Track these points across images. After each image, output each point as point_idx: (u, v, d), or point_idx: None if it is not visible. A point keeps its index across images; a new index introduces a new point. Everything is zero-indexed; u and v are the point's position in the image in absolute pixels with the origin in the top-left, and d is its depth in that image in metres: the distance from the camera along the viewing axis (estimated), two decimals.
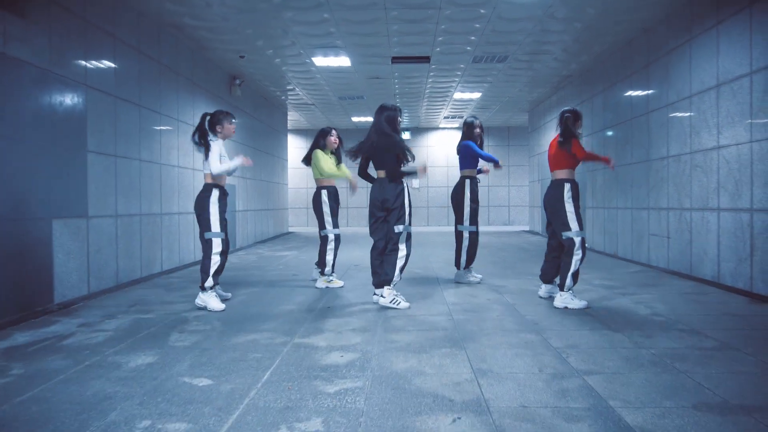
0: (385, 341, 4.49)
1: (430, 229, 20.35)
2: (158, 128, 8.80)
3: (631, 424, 2.84)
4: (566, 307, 5.76)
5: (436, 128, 22.56)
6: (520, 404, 3.12)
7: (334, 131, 7.46)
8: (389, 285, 5.93)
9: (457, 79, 13.39)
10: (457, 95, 15.52)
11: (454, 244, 7.63)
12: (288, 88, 14.32)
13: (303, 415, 3.00)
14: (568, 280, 5.80)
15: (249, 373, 3.72)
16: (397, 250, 5.94)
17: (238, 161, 6.03)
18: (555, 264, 6.25)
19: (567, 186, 5.93)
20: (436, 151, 22.61)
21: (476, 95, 15.50)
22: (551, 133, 15.66)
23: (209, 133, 6.12)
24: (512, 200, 22.78)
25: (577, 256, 5.79)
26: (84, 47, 6.81)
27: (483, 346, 4.30)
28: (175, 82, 9.48)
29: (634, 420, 2.90)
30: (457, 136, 22.49)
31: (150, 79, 8.55)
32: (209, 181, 6.01)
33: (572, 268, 5.79)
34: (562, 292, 5.82)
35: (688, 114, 8.01)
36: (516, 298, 6.38)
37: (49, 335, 4.81)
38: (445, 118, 19.95)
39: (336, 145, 7.43)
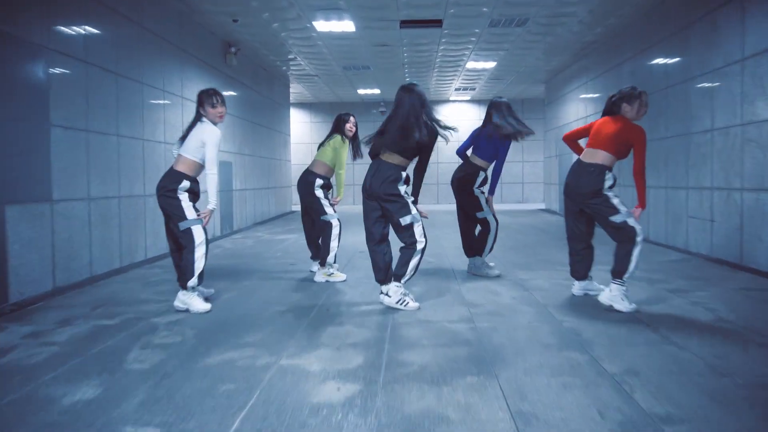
0: (395, 363, 3.57)
1: (439, 208, 19.38)
2: (140, 100, 7.85)
3: None
4: (611, 306, 4.83)
5: (447, 101, 21.50)
6: None
7: (352, 117, 6.58)
8: (398, 281, 5.02)
9: (471, 47, 12.34)
10: (470, 65, 14.47)
11: (464, 231, 6.71)
12: (289, 57, 13.31)
13: None
14: (632, 266, 4.84)
15: (214, 417, 2.81)
16: (414, 243, 4.97)
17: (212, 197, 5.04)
18: (586, 257, 5.31)
19: (608, 175, 4.97)
20: None
21: (491, 65, 14.45)
22: (570, 105, 14.63)
23: (202, 114, 5.19)
24: (526, 177, 21.78)
25: (640, 238, 4.85)
26: (44, 3, 5.84)
27: (519, 372, 3.38)
28: (160, 48, 8.51)
29: None
30: (469, 109, 21.44)
31: (129, 44, 7.58)
32: (182, 169, 5.06)
33: (635, 256, 4.85)
34: (616, 282, 4.88)
35: (739, 79, 6.99)
36: (546, 296, 5.45)
37: None
38: (456, 90, 18.90)
39: (351, 134, 6.50)
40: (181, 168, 5.04)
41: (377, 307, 5.06)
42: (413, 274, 5.03)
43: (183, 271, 4.98)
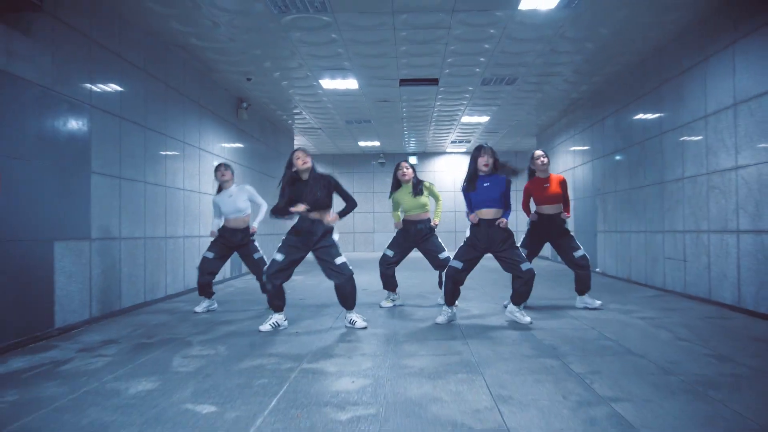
0: (398, 366, 4.28)
1: None
2: (164, 150, 8.67)
3: None
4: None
5: (443, 153, 22.42)
6: None
7: (403, 164, 7.31)
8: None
9: (465, 102, 13.27)
10: (465, 119, 15.40)
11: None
12: (295, 111, 14.22)
13: None
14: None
15: (255, 399, 3.50)
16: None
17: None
18: (577, 277, 7.07)
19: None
20: (444, 177, 22.46)
21: (484, 119, 15.38)
22: (560, 157, 15.50)
23: None
24: (519, 225, 22.53)
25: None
26: (89, 66, 6.69)
27: (501, 372, 4.08)
28: (182, 104, 9.37)
29: None
30: (465, 161, 22.34)
31: (156, 100, 8.43)
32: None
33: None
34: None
35: (703, 134, 7.83)
36: (533, 322, 6.15)
37: (46, 361, 4.61)
38: (452, 142, 19.83)
39: (407, 179, 7.25)
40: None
41: (380, 330, 5.76)
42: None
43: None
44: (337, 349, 4.90)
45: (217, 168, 7.42)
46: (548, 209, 7.15)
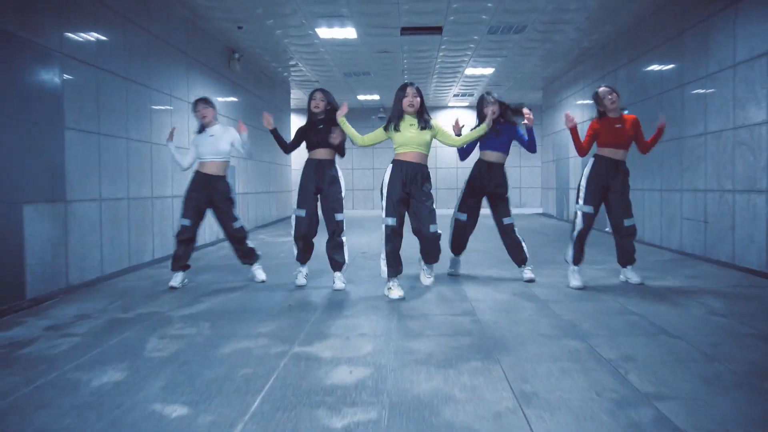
0: (402, 351, 3.76)
1: (440, 212, 19.57)
2: (148, 104, 8.04)
3: None
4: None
5: (445, 107, 21.73)
6: None
7: (410, 89, 5.45)
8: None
9: (469, 53, 12.56)
10: (469, 71, 14.70)
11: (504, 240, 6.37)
12: (290, 63, 13.51)
13: None
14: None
15: (236, 397, 2.99)
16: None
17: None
18: (620, 247, 6.10)
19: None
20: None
21: (489, 71, 14.67)
22: (567, 110, 14.84)
23: None
24: (524, 182, 21.99)
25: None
26: (58, 10, 6.03)
27: (521, 359, 3.56)
28: (168, 54, 8.70)
29: None
30: (467, 114, 21.66)
31: (138, 50, 7.77)
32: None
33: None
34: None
35: (731, 85, 7.21)
36: (546, 292, 5.63)
37: (5, 342, 4.10)
38: (454, 96, 19.13)
39: (413, 110, 5.46)
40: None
41: (382, 302, 5.25)
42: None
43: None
44: (333, 328, 4.37)
45: (196, 104, 6.28)
46: (616, 154, 5.97)
